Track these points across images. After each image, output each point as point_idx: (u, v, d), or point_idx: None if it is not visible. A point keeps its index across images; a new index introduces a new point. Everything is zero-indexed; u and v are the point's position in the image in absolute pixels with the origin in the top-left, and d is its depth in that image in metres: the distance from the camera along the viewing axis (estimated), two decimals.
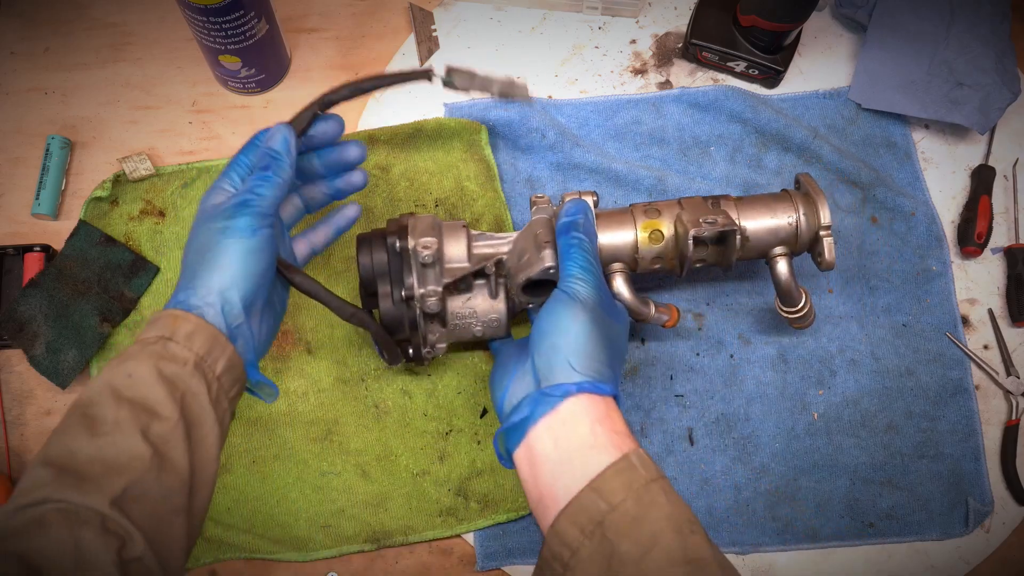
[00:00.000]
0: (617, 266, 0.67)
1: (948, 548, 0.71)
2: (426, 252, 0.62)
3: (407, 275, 0.64)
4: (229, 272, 0.54)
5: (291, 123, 0.60)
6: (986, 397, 0.75)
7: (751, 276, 0.77)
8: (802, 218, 0.66)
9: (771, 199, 0.67)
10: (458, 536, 0.71)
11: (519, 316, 0.74)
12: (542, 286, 0.63)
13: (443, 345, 0.68)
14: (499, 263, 0.65)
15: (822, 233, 0.66)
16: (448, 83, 0.65)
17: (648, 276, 0.76)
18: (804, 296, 0.67)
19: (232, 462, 0.71)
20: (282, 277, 0.59)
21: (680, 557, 0.47)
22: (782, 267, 0.66)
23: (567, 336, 0.55)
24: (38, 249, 0.74)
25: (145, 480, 0.47)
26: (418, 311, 0.64)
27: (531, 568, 0.69)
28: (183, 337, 0.51)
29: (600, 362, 0.55)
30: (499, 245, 0.66)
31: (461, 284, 0.66)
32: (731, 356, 0.75)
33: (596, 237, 0.64)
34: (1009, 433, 0.73)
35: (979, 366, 0.75)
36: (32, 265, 0.74)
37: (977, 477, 0.72)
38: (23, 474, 0.48)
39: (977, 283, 0.78)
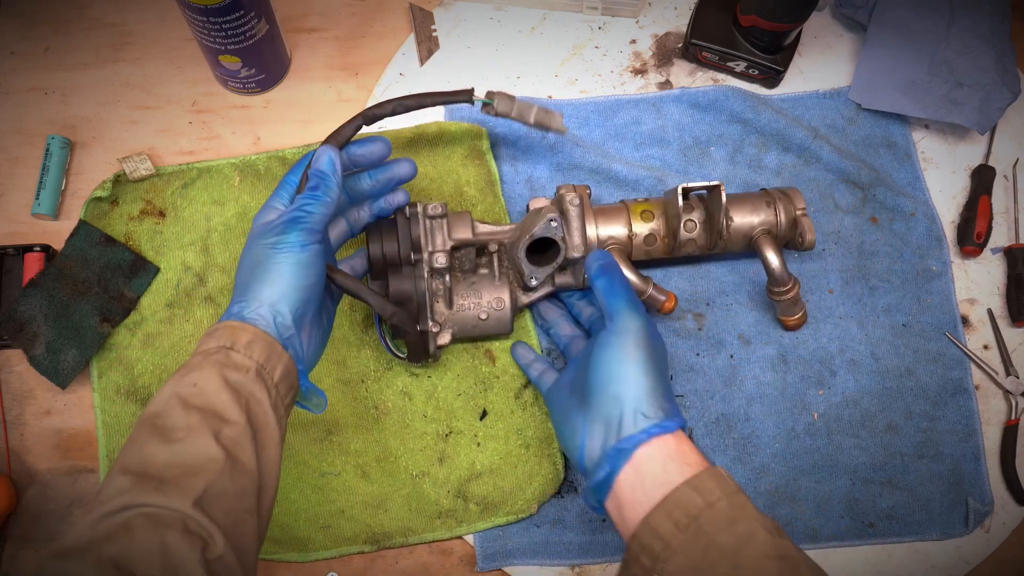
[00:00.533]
0: (612, 243, 0.69)
1: (948, 548, 0.71)
2: (435, 211, 0.66)
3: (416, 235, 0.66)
4: (279, 285, 0.56)
5: (333, 139, 0.64)
6: (986, 397, 0.75)
7: (751, 276, 0.77)
8: (779, 204, 0.70)
9: (750, 194, 0.72)
10: (458, 537, 0.71)
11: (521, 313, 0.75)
12: (545, 252, 0.66)
13: (448, 336, 0.68)
14: (502, 246, 0.69)
15: (799, 213, 0.70)
16: (488, 105, 0.69)
17: (642, 266, 0.76)
18: (792, 278, 0.69)
19: None
20: (330, 285, 0.62)
21: (774, 553, 0.50)
22: (766, 243, 0.69)
23: (627, 384, 0.57)
24: (38, 249, 0.74)
25: (221, 481, 0.49)
26: (426, 272, 0.66)
27: (531, 568, 0.70)
28: (243, 346, 0.54)
29: (661, 397, 0.57)
30: (501, 232, 0.70)
31: (466, 263, 0.69)
32: (731, 356, 0.75)
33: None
34: (1009, 433, 0.73)
35: (979, 366, 0.75)
36: (32, 265, 0.74)
37: (977, 477, 0.72)
38: (102, 484, 0.50)
39: (977, 283, 0.78)
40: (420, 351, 0.68)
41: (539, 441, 0.72)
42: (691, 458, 0.55)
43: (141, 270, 0.74)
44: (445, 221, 0.67)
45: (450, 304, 0.69)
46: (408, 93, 0.69)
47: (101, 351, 0.73)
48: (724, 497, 0.52)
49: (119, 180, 0.77)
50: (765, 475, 0.72)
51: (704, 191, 0.70)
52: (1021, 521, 0.72)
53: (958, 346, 0.75)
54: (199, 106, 0.82)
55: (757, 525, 0.51)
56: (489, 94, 0.68)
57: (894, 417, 0.73)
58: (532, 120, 0.70)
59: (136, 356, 0.73)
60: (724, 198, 0.67)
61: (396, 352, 0.71)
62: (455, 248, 0.68)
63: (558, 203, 0.69)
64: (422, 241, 0.66)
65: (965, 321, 0.77)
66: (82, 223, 0.75)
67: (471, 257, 0.69)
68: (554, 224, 0.66)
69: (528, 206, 0.71)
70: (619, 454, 0.55)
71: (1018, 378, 0.75)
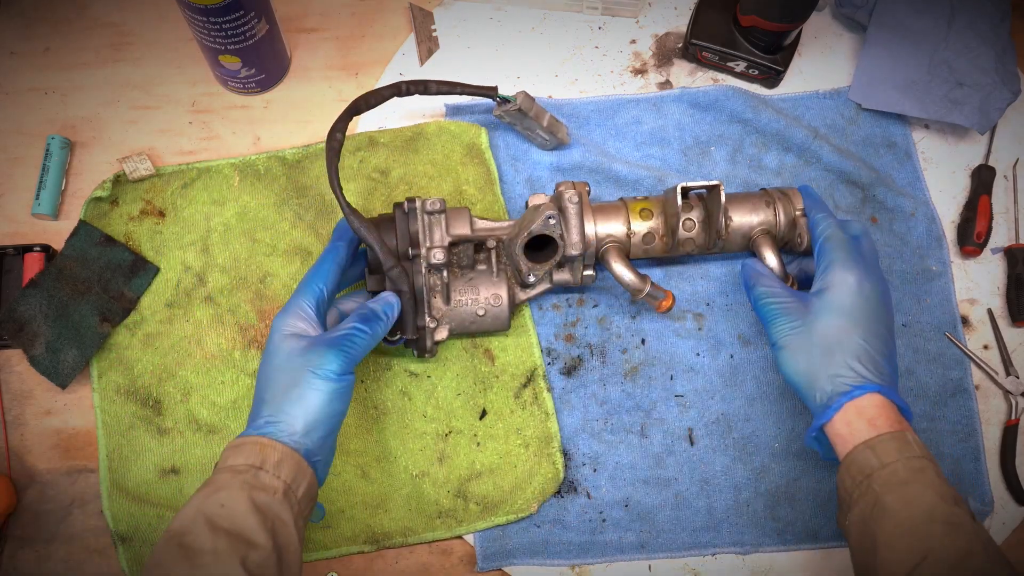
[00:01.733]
0: (609, 241, 0.69)
1: None
2: (433, 206, 0.66)
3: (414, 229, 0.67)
4: (314, 413, 0.57)
5: (363, 101, 0.67)
6: (986, 397, 0.75)
7: None
8: (778, 204, 0.70)
9: (750, 194, 0.72)
10: (458, 537, 0.71)
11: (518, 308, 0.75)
12: (543, 249, 0.67)
13: (445, 332, 0.68)
14: (500, 242, 0.69)
15: (797, 214, 0.70)
16: (505, 102, 0.73)
17: (641, 265, 0.76)
18: (790, 278, 0.69)
19: None
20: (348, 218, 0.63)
21: (940, 517, 0.53)
22: (765, 243, 0.69)
23: (854, 344, 0.60)
24: (38, 249, 0.74)
25: None
26: (424, 268, 0.66)
27: (531, 568, 0.70)
28: (272, 466, 0.55)
29: (881, 360, 0.61)
30: (500, 228, 0.70)
31: (464, 259, 0.69)
32: (731, 356, 0.75)
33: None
34: (1009, 433, 0.73)
35: (979, 366, 0.75)
36: (32, 265, 0.74)
37: (977, 477, 0.72)
38: None
39: (977, 283, 0.78)
40: (417, 342, 0.68)
41: (539, 440, 0.72)
42: (883, 420, 0.57)
43: (141, 270, 0.74)
44: (443, 217, 0.67)
45: (447, 300, 0.69)
46: (439, 79, 0.73)
47: (101, 351, 0.73)
48: (901, 461, 0.55)
49: (119, 180, 0.77)
50: (765, 475, 0.72)
51: (703, 190, 0.71)
52: (1021, 521, 0.72)
53: (958, 346, 0.75)
54: (199, 106, 0.82)
55: (931, 491, 0.54)
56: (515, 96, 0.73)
57: None
58: (544, 123, 0.75)
59: (136, 356, 0.73)
60: (723, 198, 0.67)
61: (388, 338, 0.70)
62: (453, 244, 0.68)
63: (557, 200, 0.69)
64: (420, 236, 0.66)
65: (965, 321, 0.77)
66: (82, 223, 0.75)
67: (469, 253, 0.69)
68: (552, 221, 0.66)
69: (527, 203, 0.71)
70: (826, 411, 0.59)
71: (1018, 378, 0.75)
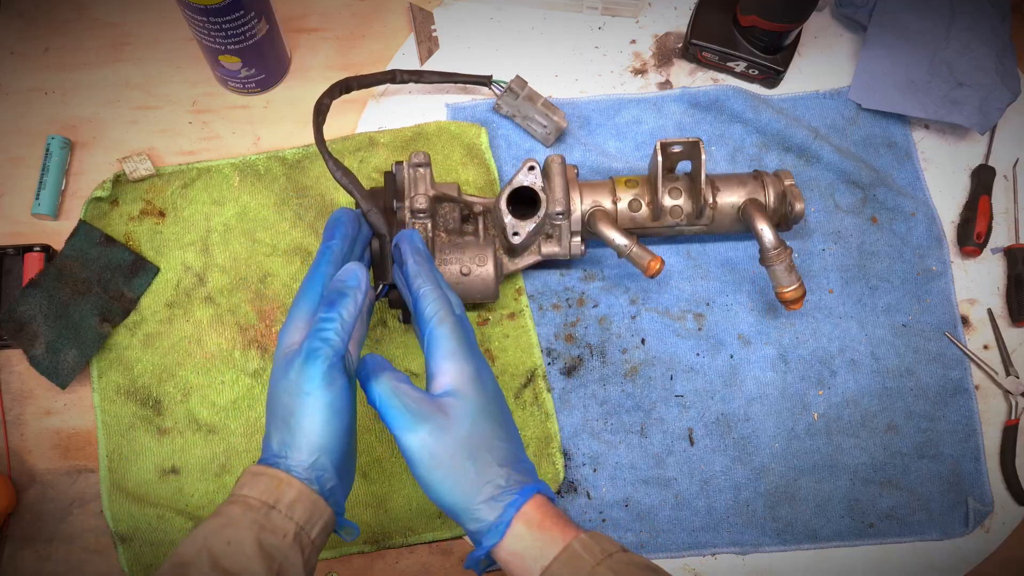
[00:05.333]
0: (596, 207, 0.70)
1: (948, 548, 0.71)
2: (418, 158, 0.67)
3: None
4: (316, 438, 0.52)
5: (356, 82, 0.71)
6: (986, 397, 0.75)
7: (751, 276, 0.77)
8: (767, 178, 0.71)
9: (738, 173, 0.73)
10: (458, 537, 0.71)
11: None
12: (527, 205, 0.67)
13: None
14: (487, 211, 0.70)
15: (788, 184, 0.71)
16: (501, 91, 0.75)
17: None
18: (783, 243, 0.68)
19: (232, 462, 0.71)
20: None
21: None
22: (755, 209, 0.69)
23: (496, 439, 0.53)
24: (38, 249, 0.74)
25: None
26: (408, 215, 0.67)
27: None
28: (286, 506, 0.51)
29: (510, 462, 0.53)
30: (487, 200, 0.71)
31: (450, 222, 0.69)
32: (731, 356, 0.75)
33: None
34: (1009, 433, 0.73)
35: (979, 366, 0.75)
36: (32, 265, 0.74)
37: (977, 477, 0.72)
38: None
39: (977, 283, 0.78)
40: (397, 296, 0.67)
41: (539, 441, 0.72)
42: (549, 521, 0.52)
43: (141, 270, 0.74)
44: (428, 171, 0.68)
45: (432, 258, 0.68)
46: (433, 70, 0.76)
47: (101, 351, 0.73)
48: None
49: (119, 180, 0.77)
50: (765, 475, 0.72)
51: (687, 160, 0.70)
52: (1021, 521, 0.72)
53: (958, 346, 0.75)
54: (199, 106, 0.82)
55: None
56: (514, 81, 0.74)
57: (894, 417, 0.73)
58: (539, 104, 0.75)
59: (136, 356, 0.73)
60: (704, 155, 0.68)
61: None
62: (438, 200, 0.68)
63: (543, 165, 0.70)
64: (405, 187, 0.67)
65: (965, 321, 0.77)
66: (82, 223, 0.75)
67: (455, 217, 0.70)
68: (532, 171, 0.66)
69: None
70: (495, 529, 0.52)
71: (1018, 378, 0.75)
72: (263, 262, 0.75)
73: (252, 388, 0.72)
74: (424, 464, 0.52)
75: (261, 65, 0.78)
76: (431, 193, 0.67)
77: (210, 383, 0.72)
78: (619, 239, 0.68)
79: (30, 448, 0.72)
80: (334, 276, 0.57)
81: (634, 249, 0.68)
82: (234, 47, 0.74)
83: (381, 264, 0.67)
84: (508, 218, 0.67)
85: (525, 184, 0.67)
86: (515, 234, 0.68)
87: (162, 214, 0.77)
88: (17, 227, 0.78)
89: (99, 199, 0.76)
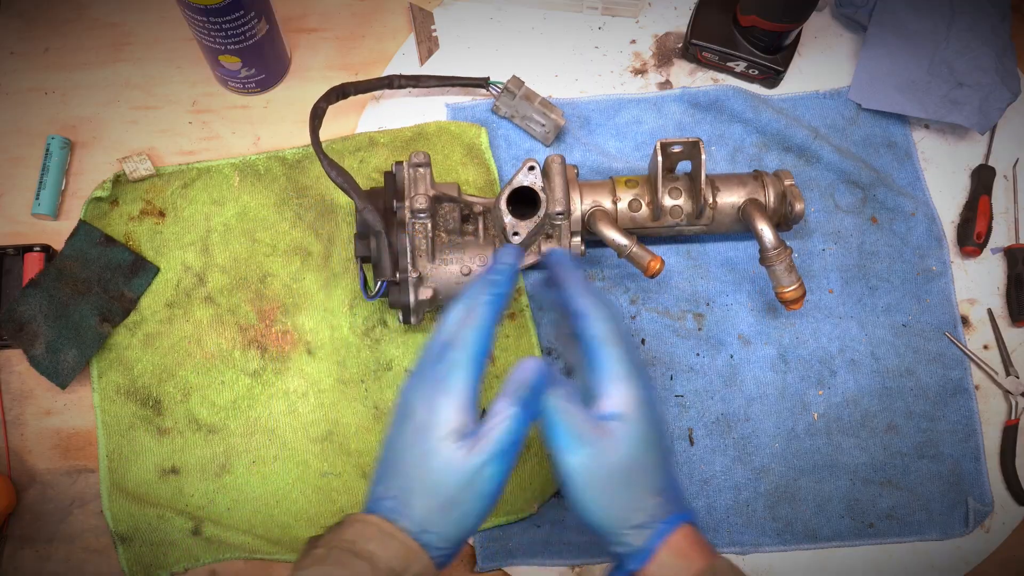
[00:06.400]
0: (596, 207, 0.71)
1: (948, 548, 0.71)
2: (418, 158, 0.67)
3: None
4: (471, 529, 0.51)
5: (353, 87, 0.74)
6: (986, 397, 0.75)
7: (751, 276, 0.77)
8: (767, 178, 0.71)
9: (738, 173, 0.73)
10: None
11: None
12: (527, 205, 0.67)
13: (430, 291, 0.68)
14: (487, 211, 0.70)
15: (788, 184, 0.71)
16: (498, 91, 0.75)
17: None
18: (783, 243, 0.68)
19: (232, 462, 0.71)
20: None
21: None
22: (754, 209, 0.69)
23: (653, 466, 0.53)
24: (38, 249, 0.74)
25: None
26: (408, 215, 0.67)
27: (531, 568, 0.70)
28: None
29: (661, 492, 0.53)
30: (487, 200, 0.71)
31: (451, 222, 0.69)
32: (731, 356, 0.75)
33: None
34: (1009, 433, 0.73)
35: (979, 366, 0.75)
36: (32, 265, 0.74)
37: (977, 477, 0.72)
38: None
39: (977, 283, 0.78)
40: (400, 296, 0.68)
41: (539, 441, 0.72)
42: (695, 553, 0.51)
43: (141, 270, 0.74)
44: (428, 171, 0.68)
45: (432, 257, 0.69)
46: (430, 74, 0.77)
47: (101, 351, 0.73)
48: None
49: (119, 180, 0.77)
50: (765, 475, 0.72)
51: (687, 160, 0.70)
52: (1021, 521, 0.72)
53: (958, 346, 0.75)
54: (199, 106, 0.82)
55: None
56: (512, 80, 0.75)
57: (894, 417, 0.73)
58: (536, 103, 0.76)
59: (136, 356, 0.73)
60: (704, 155, 0.68)
61: (369, 293, 0.70)
62: (438, 200, 0.68)
63: (543, 165, 0.70)
64: (405, 187, 0.67)
65: (965, 321, 0.77)
66: (82, 223, 0.75)
67: (456, 217, 0.70)
68: (532, 171, 0.66)
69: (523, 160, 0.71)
70: (640, 555, 0.52)
71: (1018, 378, 0.75)
72: (263, 262, 0.75)
73: (252, 388, 0.72)
74: (578, 486, 0.52)
75: (261, 65, 0.78)
76: (431, 193, 0.67)
77: (210, 383, 0.72)
78: (619, 239, 0.68)
79: (30, 448, 0.72)
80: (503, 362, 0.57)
81: (634, 249, 0.68)
82: (234, 47, 0.74)
83: (378, 262, 0.67)
84: (508, 218, 0.67)
85: (525, 184, 0.67)
86: (515, 234, 0.68)
87: (162, 214, 0.77)
88: (17, 227, 0.78)
89: (99, 199, 0.76)
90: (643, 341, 0.75)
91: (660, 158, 0.68)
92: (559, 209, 0.68)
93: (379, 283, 0.68)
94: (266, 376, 0.73)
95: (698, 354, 0.75)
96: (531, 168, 0.67)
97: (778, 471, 0.72)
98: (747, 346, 0.75)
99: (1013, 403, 0.74)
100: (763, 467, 0.72)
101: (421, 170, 0.68)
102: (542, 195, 0.67)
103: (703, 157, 0.68)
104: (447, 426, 0.51)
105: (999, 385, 0.75)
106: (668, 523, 0.51)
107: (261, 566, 0.70)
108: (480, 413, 0.52)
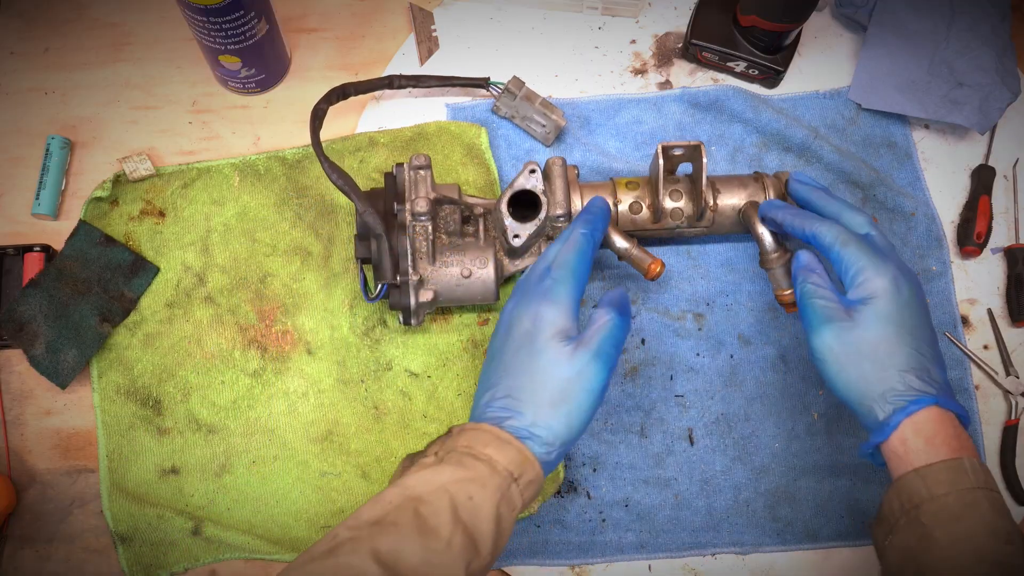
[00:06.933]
0: None
1: None
2: (419, 160, 0.68)
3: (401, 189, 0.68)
4: (578, 430, 0.55)
5: (354, 87, 0.71)
6: (986, 397, 0.75)
7: (751, 276, 0.77)
8: (767, 180, 0.71)
9: (739, 175, 0.73)
10: None
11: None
12: (528, 207, 0.67)
13: (430, 293, 0.68)
14: (488, 211, 0.70)
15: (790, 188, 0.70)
16: (499, 92, 0.75)
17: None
18: (782, 246, 0.68)
19: (232, 462, 0.71)
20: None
21: (990, 558, 0.50)
22: (755, 212, 0.69)
23: (899, 356, 0.57)
24: (38, 249, 0.74)
25: None
26: (408, 218, 0.67)
27: (531, 568, 0.70)
28: (524, 484, 0.53)
29: (930, 368, 0.57)
30: (488, 202, 0.71)
31: (451, 224, 0.69)
32: (731, 356, 0.75)
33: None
34: (1008, 433, 0.73)
35: (979, 366, 0.75)
36: (32, 265, 0.74)
37: None
38: (347, 548, 0.48)
39: (977, 283, 0.78)
40: (400, 298, 0.68)
41: None
42: (940, 438, 0.54)
43: (141, 270, 0.74)
44: (429, 173, 0.68)
45: (432, 259, 0.69)
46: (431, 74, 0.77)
47: (101, 351, 0.73)
48: (953, 493, 0.52)
49: (119, 180, 0.77)
50: (765, 475, 0.72)
51: (688, 162, 0.70)
52: (1021, 521, 0.72)
53: (958, 346, 0.75)
54: (199, 106, 0.82)
55: (982, 528, 0.51)
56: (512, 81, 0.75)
57: None
58: (537, 103, 0.76)
59: (136, 356, 0.73)
60: (705, 158, 0.68)
61: (370, 296, 0.70)
62: (438, 202, 0.68)
63: (544, 168, 0.70)
64: (406, 190, 0.67)
65: (965, 321, 0.77)
66: (82, 223, 0.75)
67: (456, 219, 0.69)
68: (534, 174, 0.66)
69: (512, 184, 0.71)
70: (883, 429, 0.56)
71: (1018, 378, 0.75)
72: (263, 262, 0.75)
73: (252, 388, 0.72)
74: (826, 362, 0.58)
75: (261, 65, 0.78)
76: (432, 196, 0.67)
77: (210, 383, 0.72)
78: (620, 242, 0.68)
79: (30, 448, 0.72)
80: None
81: (634, 252, 0.68)
82: (234, 47, 0.74)
83: (379, 264, 0.67)
84: (509, 221, 0.67)
85: (526, 188, 0.67)
86: (516, 236, 0.68)
87: (162, 214, 0.77)
88: (17, 227, 0.78)
89: (99, 199, 0.76)
90: (643, 341, 0.75)
91: (661, 161, 0.68)
92: (560, 212, 0.68)
93: (380, 285, 0.68)
94: (266, 376, 0.73)
95: (698, 354, 0.75)
96: (532, 171, 0.67)
97: (778, 471, 0.72)
98: (747, 346, 0.75)
99: (1013, 403, 0.74)
100: (763, 467, 0.72)
101: (422, 172, 0.68)
102: (543, 198, 0.67)
103: (704, 160, 0.68)
104: (553, 327, 0.56)
105: (999, 385, 0.75)
106: (915, 403, 0.55)
107: (261, 566, 0.70)
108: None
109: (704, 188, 0.68)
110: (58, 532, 0.70)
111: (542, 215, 0.67)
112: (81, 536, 0.70)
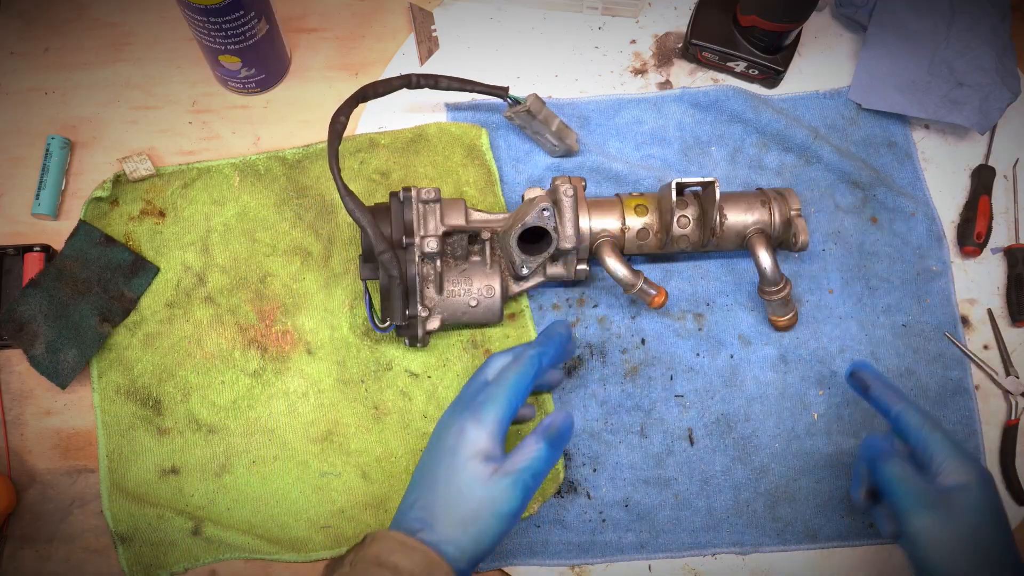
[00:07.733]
0: (604, 236, 0.70)
1: None
2: (428, 195, 0.67)
3: (408, 218, 0.67)
4: (488, 548, 0.55)
5: (371, 90, 0.67)
6: (986, 397, 0.75)
7: (751, 277, 0.77)
8: (774, 204, 0.71)
9: (745, 193, 0.73)
10: None
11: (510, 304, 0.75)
12: (537, 242, 0.67)
13: (437, 322, 0.69)
14: (494, 235, 0.70)
15: (793, 214, 0.71)
16: (516, 104, 0.74)
17: (637, 262, 0.76)
18: (783, 279, 0.70)
19: (232, 462, 0.71)
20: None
21: None
22: (759, 242, 0.69)
23: (1005, 543, 0.56)
24: (38, 249, 0.74)
25: None
26: (417, 256, 0.67)
27: (531, 568, 0.70)
28: None
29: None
30: (495, 220, 0.70)
31: (458, 249, 0.69)
32: (731, 356, 0.75)
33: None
34: (1009, 433, 0.73)
35: (979, 366, 0.75)
36: (32, 265, 0.74)
37: None
38: None
39: (977, 283, 0.78)
40: (408, 329, 0.68)
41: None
42: None
43: (141, 270, 0.74)
44: (438, 206, 0.68)
45: (440, 290, 0.69)
46: (451, 75, 0.74)
47: (101, 351, 0.73)
48: None
49: (119, 180, 0.77)
50: (765, 475, 0.72)
51: (698, 188, 0.71)
52: (1021, 521, 0.72)
53: (958, 346, 0.75)
54: (199, 106, 0.82)
55: None
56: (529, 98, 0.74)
57: None
58: (553, 127, 0.75)
59: (136, 356, 0.73)
60: (718, 195, 0.67)
61: (378, 324, 0.70)
62: (447, 234, 0.68)
63: (552, 194, 0.70)
64: (415, 225, 0.67)
65: (965, 321, 0.77)
66: (82, 223, 0.75)
67: (463, 243, 0.70)
68: (546, 214, 0.66)
69: (523, 196, 0.71)
70: None
71: (1018, 378, 0.75)
72: (263, 262, 0.75)
73: (252, 388, 0.72)
74: (928, 547, 0.55)
75: (261, 65, 0.78)
76: (441, 232, 0.67)
77: (210, 383, 0.72)
78: (627, 277, 0.68)
79: (30, 448, 0.72)
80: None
81: (640, 286, 0.68)
82: (234, 47, 0.74)
83: (388, 302, 0.67)
84: (518, 257, 0.68)
85: (538, 225, 0.66)
86: (524, 267, 0.68)
87: (162, 214, 0.77)
88: (17, 227, 0.78)
89: (99, 199, 0.76)
90: (643, 341, 0.75)
91: (674, 196, 0.68)
92: (569, 246, 0.68)
93: (388, 323, 0.68)
94: (266, 376, 0.73)
95: (698, 354, 0.75)
96: (545, 210, 0.66)
97: (778, 471, 0.72)
98: (747, 346, 0.75)
99: (1013, 403, 0.74)
100: (763, 467, 0.72)
101: (431, 205, 0.67)
102: (554, 235, 0.67)
103: (718, 196, 0.68)
104: (474, 447, 0.56)
105: (999, 385, 0.75)
106: None
107: (261, 566, 0.70)
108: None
109: (714, 222, 0.69)
110: (58, 532, 0.70)
111: (551, 249, 0.68)
112: (81, 536, 0.70)
